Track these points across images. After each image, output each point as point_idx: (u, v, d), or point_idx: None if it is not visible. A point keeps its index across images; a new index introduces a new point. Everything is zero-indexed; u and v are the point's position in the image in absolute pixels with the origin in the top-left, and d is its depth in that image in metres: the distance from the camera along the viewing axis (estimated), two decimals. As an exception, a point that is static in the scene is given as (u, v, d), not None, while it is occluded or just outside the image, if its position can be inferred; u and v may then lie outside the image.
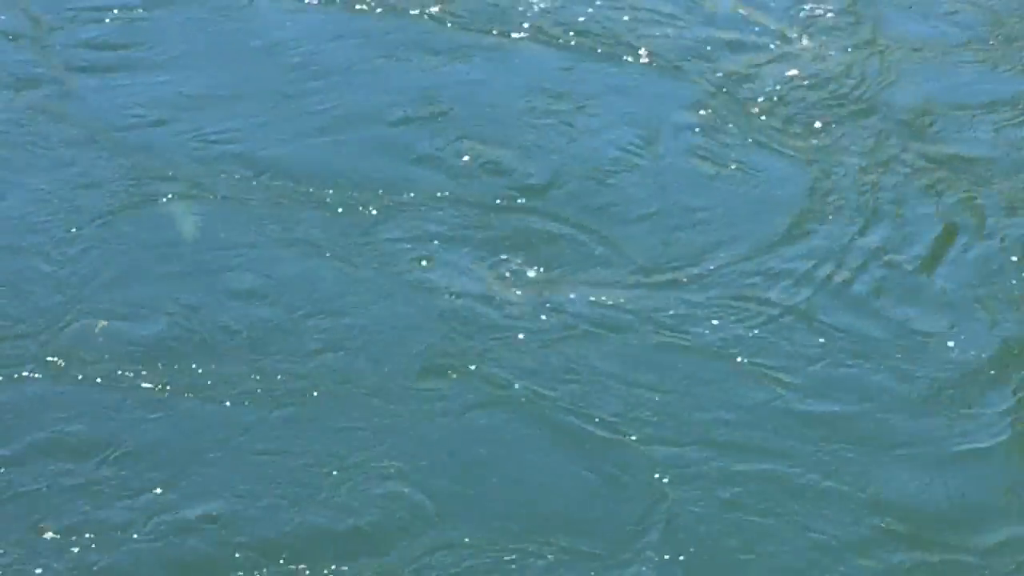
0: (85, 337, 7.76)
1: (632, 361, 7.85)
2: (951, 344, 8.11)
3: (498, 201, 8.81)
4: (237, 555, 6.84)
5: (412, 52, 10.03)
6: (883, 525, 7.17)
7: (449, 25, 10.29)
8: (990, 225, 8.93)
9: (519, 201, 8.83)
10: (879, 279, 8.48)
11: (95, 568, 6.75)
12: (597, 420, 7.53)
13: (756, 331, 8.08)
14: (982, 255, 8.72)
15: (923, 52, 10.41)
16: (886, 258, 8.63)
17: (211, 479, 7.15)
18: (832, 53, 10.31)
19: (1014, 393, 7.87)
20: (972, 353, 8.06)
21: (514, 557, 6.93)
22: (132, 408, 7.43)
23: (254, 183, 8.82)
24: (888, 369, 7.94)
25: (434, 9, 10.41)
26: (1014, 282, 8.54)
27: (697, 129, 9.47)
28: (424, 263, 8.34)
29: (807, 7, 10.75)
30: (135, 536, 6.88)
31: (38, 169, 8.84)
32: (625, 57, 10.10)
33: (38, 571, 6.73)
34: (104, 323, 7.82)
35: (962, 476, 7.42)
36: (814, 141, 9.48)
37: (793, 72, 10.07)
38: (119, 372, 7.59)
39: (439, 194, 8.84)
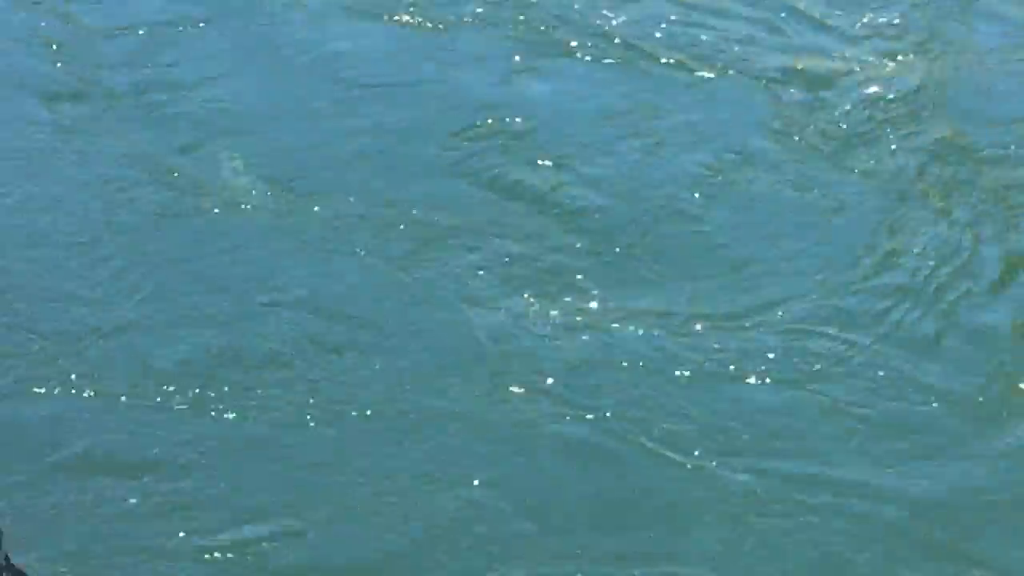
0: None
1: (699, 392, 7.76)
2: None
3: (562, 225, 8.73)
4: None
5: (468, 69, 9.92)
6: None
7: (510, 41, 10.15)
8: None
9: (583, 224, 8.74)
10: (948, 314, 8.26)
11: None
12: (671, 445, 7.47)
13: (820, 366, 7.96)
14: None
15: (1008, 67, 10.22)
16: (961, 289, 8.43)
17: (251, 498, 7.09)
18: (911, 72, 10.10)
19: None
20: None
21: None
22: (167, 424, 7.40)
23: (300, 201, 8.78)
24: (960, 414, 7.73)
25: (492, 24, 10.30)
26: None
27: (771, 153, 9.33)
28: (480, 289, 8.25)
29: (882, 24, 10.53)
30: (174, 557, 6.84)
31: (77, 184, 8.85)
32: (698, 73, 9.97)
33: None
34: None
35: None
36: (889, 164, 9.29)
37: (872, 90, 9.89)
38: (156, 388, 7.57)
39: (499, 216, 8.76)
